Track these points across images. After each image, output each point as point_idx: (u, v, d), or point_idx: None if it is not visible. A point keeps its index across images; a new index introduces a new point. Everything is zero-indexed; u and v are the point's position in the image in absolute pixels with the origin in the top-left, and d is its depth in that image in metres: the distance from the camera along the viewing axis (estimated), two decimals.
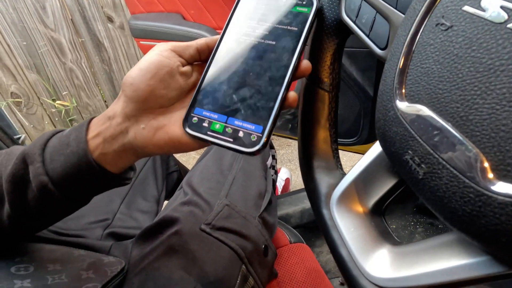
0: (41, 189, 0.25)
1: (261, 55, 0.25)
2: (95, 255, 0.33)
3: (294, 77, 0.24)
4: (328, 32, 0.28)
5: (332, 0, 0.27)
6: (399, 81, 0.18)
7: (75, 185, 0.25)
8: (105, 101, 1.65)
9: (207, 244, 0.35)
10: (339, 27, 0.28)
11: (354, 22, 0.26)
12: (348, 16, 0.26)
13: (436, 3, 0.17)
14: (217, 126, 0.24)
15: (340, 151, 0.30)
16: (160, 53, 0.25)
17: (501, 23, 0.13)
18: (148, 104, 0.25)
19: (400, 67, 0.19)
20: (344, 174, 0.26)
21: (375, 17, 0.24)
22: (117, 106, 0.25)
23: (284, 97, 0.23)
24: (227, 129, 0.24)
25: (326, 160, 0.28)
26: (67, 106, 1.55)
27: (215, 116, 0.25)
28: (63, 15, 1.35)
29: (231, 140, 0.23)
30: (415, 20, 0.18)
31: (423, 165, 0.17)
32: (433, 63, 0.16)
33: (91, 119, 0.26)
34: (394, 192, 0.23)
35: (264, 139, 0.23)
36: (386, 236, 0.22)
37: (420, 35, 0.18)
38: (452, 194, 0.15)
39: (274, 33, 0.25)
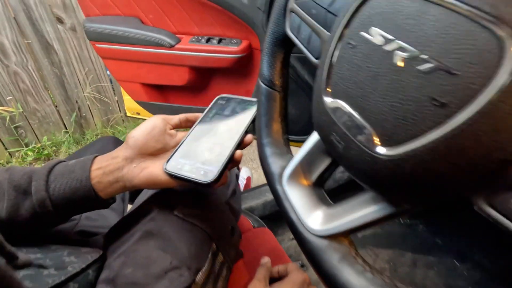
0: (39, 203, 0.32)
1: (221, 131, 0.40)
2: (71, 247, 0.36)
3: (241, 143, 0.39)
4: (277, 44, 0.35)
5: (279, 19, 0.34)
6: (325, 83, 0.25)
7: (68, 204, 0.34)
8: (56, 106, 1.56)
9: (181, 227, 0.39)
10: (285, 40, 0.34)
11: (296, 37, 0.32)
12: (291, 32, 0.33)
13: (347, 28, 0.24)
14: (187, 167, 0.36)
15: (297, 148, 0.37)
16: (155, 119, 0.39)
17: (380, 45, 0.21)
18: (142, 151, 0.37)
19: (326, 73, 0.25)
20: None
21: (311, 34, 0.31)
22: (120, 151, 0.36)
23: (233, 154, 0.38)
24: (193, 169, 0.36)
25: (279, 147, 0.35)
26: (12, 112, 1.43)
27: (187, 161, 0.37)
28: (5, 14, 1.26)
29: (195, 176, 0.35)
30: (333, 39, 0.25)
31: (342, 142, 0.24)
32: (346, 70, 0.24)
33: (95, 156, 0.37)
34: (330, 168, 0.31)
35: (217, 175, 0.35)
36: (323, 201, 0.29)
37: (337, 51, 0.25)
38: (359, 160, 0.22)
39: (231, 119, 0.42)
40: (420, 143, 0.18)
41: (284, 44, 0.35)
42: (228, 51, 0.97)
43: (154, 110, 1.26)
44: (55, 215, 0.33)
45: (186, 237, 0.38)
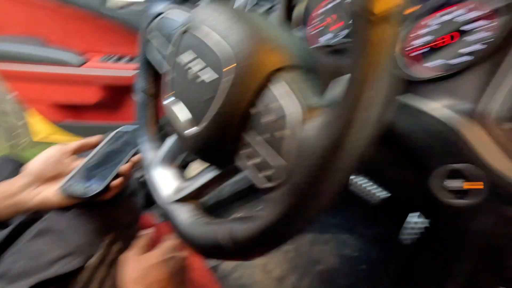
0: None
1: (107, 159, 0.50)
2: None
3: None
4: (147, 62, 0.45)
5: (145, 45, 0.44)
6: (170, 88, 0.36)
7: None
8: None
9: (75, 223, 0.45)
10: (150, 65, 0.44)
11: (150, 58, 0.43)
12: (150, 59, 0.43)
13: (176, 54, 0.35)
14: (79, 187, 0.45)
15: None
16: (52, 149, 0.47)
17: (183, 65, 0.32)
18: (39, 178, 0.44)
19: (170, 82, 0.36)
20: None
21: (161, 59, 0.41)
22: (18, 179, 0.44)
23: (115, 175, 0.47)
24: (83, 188, 0.45)
25: (154, 141, 0.44)
26: None
27: (81, 182, 0.46)
28: None
29: (85, 193, 0.44)
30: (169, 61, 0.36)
31: (180, 134, 0.34)
32: (176, 79, 0.34)
33: None
34: (188, 157, 0.41)
35: (102, 188, 0.45)
36: (180, 178, 0.39)
37: (174, 68, 0.35)
38: (183, 140, 0.33)
39: (122, 146, 0.52)
40: (207, 122, 0.29)
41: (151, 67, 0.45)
42: None
43: (68, 129, 1.23)
44: None
45: (79, 230, 0.44)
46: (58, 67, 0.99)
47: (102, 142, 0.53)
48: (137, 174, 0.69)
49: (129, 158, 0.50)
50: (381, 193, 0.77)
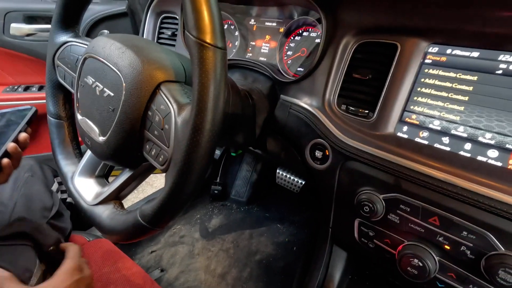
0: None
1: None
2: None
3: (16, 141, 0.48)
4: (56, 87, 0.49)
5: (51, 71, 0.48)
6: (77, 107, 0.41)
7: None
8: None
9: (6, 251, 0.46)
10: (60, 84, 0.48)
11: (64, 81, 0.47)
12: (61, 78, 0.48)
13: (80, 77, 0.41)
14: None
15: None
16: None
17: (90, 84, 0.38)
18: None
19: (76, 100, 0.41)
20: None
21: (71, 78, 0.46)
22: None
23: (3, 153, 0.46)
24: None
25: (70, 159, 0.48)
26: None
27: None
28: None
29: None
30: (76, 82, 0.41)
31: (88, 142, 0.39)
32: (83, 98, 0.40)
33: None
34: (106, 167, 0.46)
35: None
36: (101, 184, 0.44)
37: (79, 88, 0.41)
38: (93, 150, 0.38)
39: (7, 125, 0.49)
40: (110, 132, 0.35)
41: (60, 86, 0.49)
42: None
43: None
44: None
45: (12, 258, 0.46)
46: None
47: None
48: (63, 195, 0.69)
49: (15, 138, 0.48)
50: (299, 181, 0.91)
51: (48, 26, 0.93)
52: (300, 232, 1.08)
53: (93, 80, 0.37)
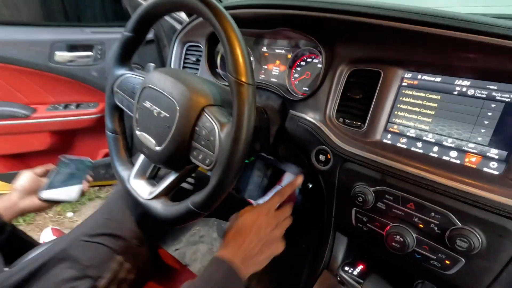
0: None
1: (69, 178, 0.75)
2: None
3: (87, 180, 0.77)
4: (113, 108, 0.62)
5: (110, 96, 0.61)
6: (136, 124, 0.54)
7: None
8: None
9: (86, 248, 0.54)
10: (117, 106, 0.61)
11: (121, 104, 0.60)
12: (118, 102, 0.61)
13: (138, 102, 0.54)
14: (55, 195, 0.70)
15: None
16: (27, 173, 0.69)
17: (149, 108, 0.51)
18: (26, 191, 0.66)
19: (135, 120, 0.54)
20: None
21: (128, 102, 0.59)
22: (11, 194, 0.64)
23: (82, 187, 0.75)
24: (60, 195, 0.71)
25: (126, 165, 0.60)
26: None
27: (54, 192, 0.70)
28: None
29: (63, 198, 0.71)
30: (135, 106, 0.54)
31: (149, 153, 0.52)
32: (142, 118, 0.53)
33: None
34: (154, 168, 0.58)
35: (75, 197, 0.74)
36: (151, 184, 0.56)
37: (137, 111, 0.54)
38: (150, 157, 0.51)
39: (72, 174, 0.76)
40: (166, 143, 0.48)
41: (117, 108, 0.62)
42: (87, 113, 1.16)
43: (11, 179, 1.24)
44: None
45: (90, 254, 0.54)
46: (8, 121, 1.05)
47: (57, 167, 0.75)
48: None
49: (86, 178, 0.76)
50: (309, 184, 1.02)
51: (86, 53, 1.08)
52: (308, 231, 1.19)
53: (151, 104, 0.50)
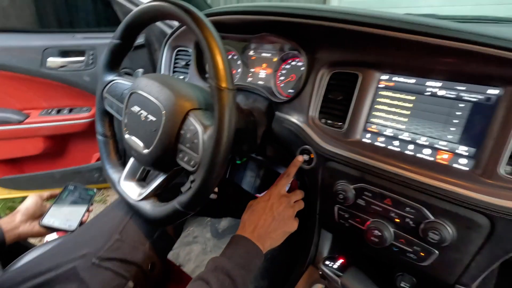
0: None
1: (72, 206, 0.75)
2: None
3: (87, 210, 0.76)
4: (103, 113, 0.64)
5: (100, 101, 0.63)
6: (124, 127, 0.56)
7: None
8: None
9: (96, 272, 0.51)
10: (106, 111, 0.63)
11: (111, 108, 0.62)
12: (108, 106, 0.63)
13: (127, 107, 0.56)
14: (57, 223, 0.69)
15: None
16: (34, 196, 0.70)
17: (136, 112, 0.53)
18: (30, 216, 0.66)
19: (124, 124, 0.56)
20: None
21: (117, 107, 0.61)
22: (15, 217, 0.65)
23: (83, 215, 0.74)
24: (61, 224, 0.69)
25: (116, 167, 0.62)
26: None
27: (56, 219, 0.69)
28: None
29: (64, 227, 0.69)
30: (124, 110, 0.56)
31: (137, 155, 0.54)
32: (131, 122, 0.54)
33: None
34: (144, 170, 0.60)
35: (77, 226, 0.70)
36: (142, 185, 0.58)
37: (126, 115, 0.55)
38: (139, 159, 0.53)
39: (75, 201, 0.77)
40: (153, 146, 0.50)
41: (107, 113, 0.64)
42: (80, 117, 1.17)
43: (6, 184, 1.25)
44: None
45: (99, 280, 0.51)
46: (0, 126, 1.07)
47: (62, 192, 0.77)
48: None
49: (88, 209, 0.76)
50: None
51: (78, 58, 1.09)
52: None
53: (139, 108, 0.52)
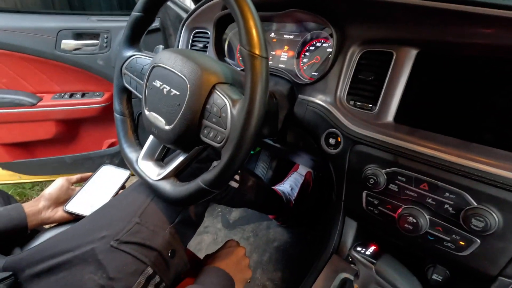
0: None
1: (103, 187, 0.71)
2: None
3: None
4: (121, 91, 0.61)
5: (119, 77, 0.61)
6: (144, 104, 0.53)
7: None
8: None
9: (114, 255, 0.48)
10: (125, 88, 0.61)
11: (129, 86, 0.60)
12: (127, 84, 0.60)
13: (147, 80, 0.53)
14: (82, 208, 0.65)
15: None
16: (61, 180, 0.67)
17: (158, 87, 0.50)
18: (54, 201, 0.63)
19: (144, 100, 0.53)
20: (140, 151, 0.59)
21: (136, 84, 0.59)
22: (39, 202, 0.62)
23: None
24: (86, 210, 0.65)
25: (133, 146, 0.60)
26: None
27: (81, 205, 0.65)
28: None
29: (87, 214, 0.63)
30: (144, 85, 0.53)
31: (155, 130, 0.51)
32: (150, 97, 0.52)
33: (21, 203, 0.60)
34: (163, 150, 0.58)
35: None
36: (160, 166, 0.56)
37: (146, 89, 0.53)
38: (159, 136, 0.50)
39: (109, 180, 0.73)
40: (176, 122, 0.47)
41: (125, 90, 0.61)
42: (92, 102, 1.15)
43: (19, 168, 1.24)
44: None
45: (116, 263, 0.48)
46: (13, 109, 1.05)
47: (93, 175, 0.73)
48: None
49: (118, 191, 0.71)
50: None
51: (92, 41, 1.08)
52: (315, 224, 1.18)
53: (161, 83, 0.50)
